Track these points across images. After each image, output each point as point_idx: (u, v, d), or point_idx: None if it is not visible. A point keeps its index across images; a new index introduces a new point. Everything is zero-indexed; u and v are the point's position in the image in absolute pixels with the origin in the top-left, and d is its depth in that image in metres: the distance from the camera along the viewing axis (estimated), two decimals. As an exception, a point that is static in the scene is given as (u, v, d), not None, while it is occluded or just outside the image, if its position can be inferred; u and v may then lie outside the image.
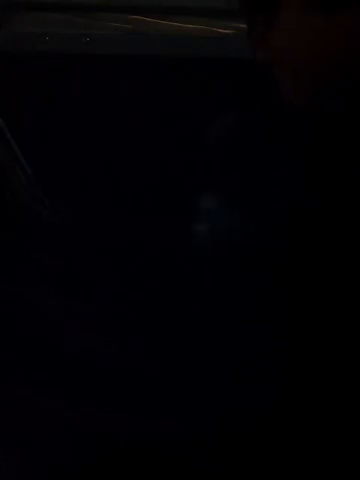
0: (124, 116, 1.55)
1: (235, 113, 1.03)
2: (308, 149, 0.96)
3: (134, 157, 1.44)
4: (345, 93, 0.94)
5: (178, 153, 1.22)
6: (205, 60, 1.51)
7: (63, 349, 0.94)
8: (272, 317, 0.90)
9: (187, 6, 1.72)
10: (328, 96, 0.95)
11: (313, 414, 0.89)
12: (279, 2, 0.95)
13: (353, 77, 0.93)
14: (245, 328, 0.90)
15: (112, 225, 1.05)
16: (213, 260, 0.94)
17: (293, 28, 0.95)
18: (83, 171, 1.50)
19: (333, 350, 0.89)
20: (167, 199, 1.06)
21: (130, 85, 1.56)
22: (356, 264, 0.90)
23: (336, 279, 0.90)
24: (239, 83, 1.32)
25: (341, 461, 0.89)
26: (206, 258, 0.95)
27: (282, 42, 0.97)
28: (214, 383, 0.90)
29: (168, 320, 0.93)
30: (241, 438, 0.89)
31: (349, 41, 0.91)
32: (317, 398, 0.89)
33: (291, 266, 0.91)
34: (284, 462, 0.89)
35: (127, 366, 0.91)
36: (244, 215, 0.95)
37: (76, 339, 0.94)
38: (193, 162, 1.02)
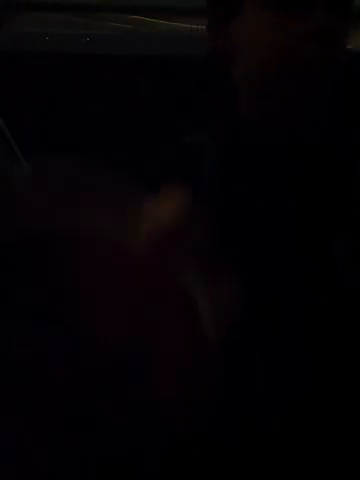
0: (124, 116, 1.55)
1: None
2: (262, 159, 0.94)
3: (134, 156, 1.43)
4: (296, 104, 0.92)
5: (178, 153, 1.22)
6: (205, 60, 1.51)
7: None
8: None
9: (187, 6, 1.72)
10: (279, 106, 0.93)
11: (313, 414, 0.89)
12: None
13: (311, 83, 0.92)
14: None
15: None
16: None
17: (251, 24, 0.93)
18: (83, 171, 1.50)
19: (330, 349, 0.89)
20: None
21: (130, 85, 1.56)
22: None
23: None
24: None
25: (342, 461, 0.89)
26: None
27: (239, 37, 0.95)
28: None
29: None
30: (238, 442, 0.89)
31: (299, 43, 0.90)
32: (318, 399, 0.89)
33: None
34: (284, 462, 0.89)
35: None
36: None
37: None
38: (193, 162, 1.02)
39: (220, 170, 0.95)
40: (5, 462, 0.78)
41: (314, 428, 0.89)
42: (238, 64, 0.96)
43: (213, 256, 0.60)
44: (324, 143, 0.94)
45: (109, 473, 0.90)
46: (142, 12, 1.77)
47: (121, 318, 0.54)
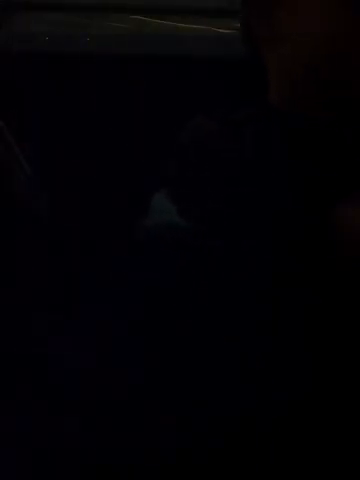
0: (124, 116, 1.55)
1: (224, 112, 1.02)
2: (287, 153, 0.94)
3: (134, 156, 1.44)
4: (335, 107, 0.92)
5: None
6: (205, 60, 1.51)
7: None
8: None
9: (187, 6, 1.72)
10: (316, 103, 0.93)
11: (313, 415, 0.89)
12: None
13: (350, 92, 0.91)
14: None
15: (112, 223, 1.05)
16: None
17: (312, 13, 0.91)
18: (83, 171, 1.50)
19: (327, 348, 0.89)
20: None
21: (130, 85, 1.56)
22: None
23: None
24: (239, 83, 1.32)
25: (342, 462, 0.89)
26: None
27: (292, 25, 0.93)
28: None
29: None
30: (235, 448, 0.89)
31: (347, 41, 0.89)
32: (318, 400, 0.89)
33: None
34: (284, 462, 0.89)
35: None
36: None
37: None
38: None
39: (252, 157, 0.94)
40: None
41: (314, 428, 0.89)
42: (280, 54, 0.95)
43: None
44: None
45: (109, 473, 0.90)
46: (142, 12, 1.77)
47: None
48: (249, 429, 0.88)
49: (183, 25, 1.78)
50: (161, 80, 1.51)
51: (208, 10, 1.70)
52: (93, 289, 0.98)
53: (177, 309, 0.91)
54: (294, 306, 0.87)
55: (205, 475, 0.89)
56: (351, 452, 0.88)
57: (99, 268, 1.00)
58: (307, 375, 0.88)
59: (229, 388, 0.89)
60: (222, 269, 0.89)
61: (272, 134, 0.94)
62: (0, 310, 0.99)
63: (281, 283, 0.88)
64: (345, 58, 0.90)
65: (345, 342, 0.88)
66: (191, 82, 1.41)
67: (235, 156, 0.94)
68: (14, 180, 1.19)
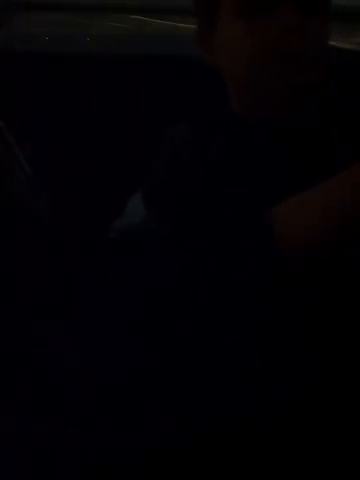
0: (124, 116, 1.55)
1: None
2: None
3: (134, 156, 1.44)
4: (288, 100, 0.93)
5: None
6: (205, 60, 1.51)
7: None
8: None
9: (187, 6, 1.72)
10: (269, 104, 0.93)
11: (313, 415, 0.89)
12: (218, 5, 0.95)
13: (291, 81, 0.91)
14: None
15: (111, 223, 1.05)
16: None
17: (225, 32, 0.94)
18: (83, 170, 1.50)
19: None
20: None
21: (130, 85, 1.56)
22: None
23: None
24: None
25: (342, 462, 0.89)
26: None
27: (220, 46, 0.96)
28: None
29: None
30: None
31: (272, 43, 0.90)
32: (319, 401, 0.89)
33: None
34: (284, 462, 0.89)
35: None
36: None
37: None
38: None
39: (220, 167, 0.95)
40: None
41: (314, 429, 0.89)
42: (225, 69, 0.97)
43: None
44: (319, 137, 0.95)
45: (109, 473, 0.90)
46: (142, 12, 1.77)
47: None
48: (249, 429, 0.88)
49: (183, 25, 1.78)
50: (161, 80, 1.51)
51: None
52: (93, 289, 0.98)
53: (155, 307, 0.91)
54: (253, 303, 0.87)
55: (205, 475, 0.89)
56: (351, 452, 0.89)
57: (99, 268, 1.00)
58: (307, 375, 0.88)
59: (228, 388, 0.89)
60: (194, 269, 0.89)
61: (235, 140, 0.96)
62: (0, 310, 0.99)
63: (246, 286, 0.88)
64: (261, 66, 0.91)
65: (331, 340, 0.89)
66: (191, 82, 1.41)
67: (204, 161, 0.96)
68: (14, 180, 1.19)
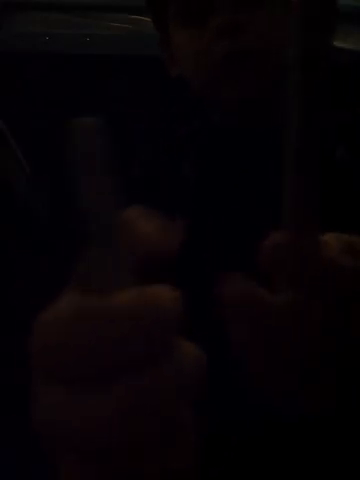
0: (124, 116, 1.55)
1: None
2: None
3: (134, 156, 1.44)
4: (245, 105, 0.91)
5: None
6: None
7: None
8: None
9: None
10: (227, 108, 0.93)
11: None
12: (165, 15, 0.95)
13: (243, 86, 0.89)
14: None
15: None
16: None
17: (175, 40, 0.94)
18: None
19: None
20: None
21: (130, 85, 1.56)
22: None
23: None
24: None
25: (342, 462, 0.89)
26: None
27: (176, 54, 0.96)
28: None
29: None
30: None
31: (222, 46, 0.87)
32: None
33: None
34: (285, 463, 0.89)
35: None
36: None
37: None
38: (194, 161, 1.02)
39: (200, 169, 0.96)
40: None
41: (314, 429, 0.89)
42: (185, 76, 0.97)
43: None
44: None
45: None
46: (142, 12, 1.77)
47: None
48: (249, 429, 0.88)
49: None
50: (161, 80, 1.51)
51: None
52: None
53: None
54: None
55: (205, 475, 0.89)
56: (351, 452, 0.88)
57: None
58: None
59: (229, 389, 0.89)
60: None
61: (211, 148, 0.96)
62: (0, 309, 1.00)
63: None
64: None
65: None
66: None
67: (179, 171, 0.97)
68: (14, 180, 1.19)
